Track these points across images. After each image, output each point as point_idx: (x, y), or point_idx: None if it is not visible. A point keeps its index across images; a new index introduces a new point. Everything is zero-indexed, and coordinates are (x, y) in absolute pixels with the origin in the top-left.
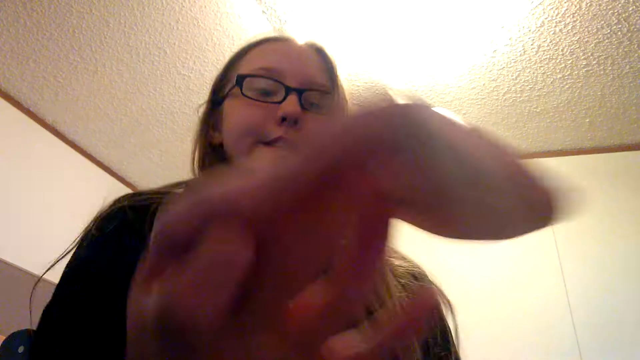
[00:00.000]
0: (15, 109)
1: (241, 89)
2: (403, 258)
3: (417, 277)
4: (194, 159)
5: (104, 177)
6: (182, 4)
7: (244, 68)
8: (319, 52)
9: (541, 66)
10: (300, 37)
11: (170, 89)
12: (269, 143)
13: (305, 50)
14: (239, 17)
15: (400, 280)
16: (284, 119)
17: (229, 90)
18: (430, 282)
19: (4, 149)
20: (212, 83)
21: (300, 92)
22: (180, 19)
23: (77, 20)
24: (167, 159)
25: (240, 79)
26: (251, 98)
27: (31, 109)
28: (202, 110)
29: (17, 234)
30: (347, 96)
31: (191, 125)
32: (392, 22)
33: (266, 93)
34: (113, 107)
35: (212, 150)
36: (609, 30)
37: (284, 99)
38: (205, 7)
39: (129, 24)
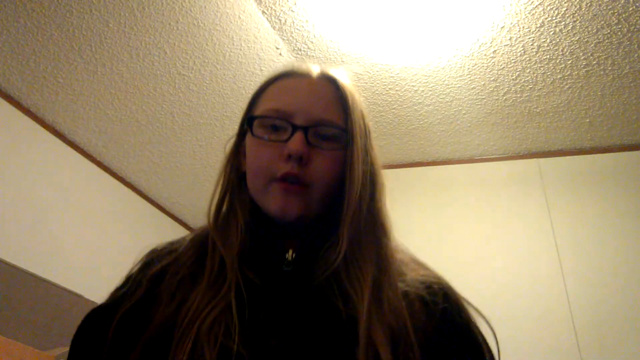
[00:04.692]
0: (15, 109)
1: (251, 131)
2: (423, 275)
3: (433, 294)
4: (215, 198)
5: (104, 177)
6: (182, 4)
7: (260, 106)
8: (334, 84)
9: (541, 66)
10: (317, 69)
11: (170, 89)
12: (279, 179)
13: (318, 86)
14: (239, 17)
15: (413, 304)
16: (290, 156)
17: (246, 128)
18: (449, 299)
19: (3, 148)
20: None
21: (306, 129)
22: (180, 19)
23: (77, 21)
24: (167, 159)
25: (251, 121)
26: (261, 138)
27: (31, 109)
28: (229, 144)
29: (16, 233)
30: (362, 124)
31: (191, 125)
32: (391, 22)
33: (276, 128)
34: (113, 107)
35: (237, 180)
36: (609, 30)
37: (290, 137)
38: (205, 7)
39: (129, 24)
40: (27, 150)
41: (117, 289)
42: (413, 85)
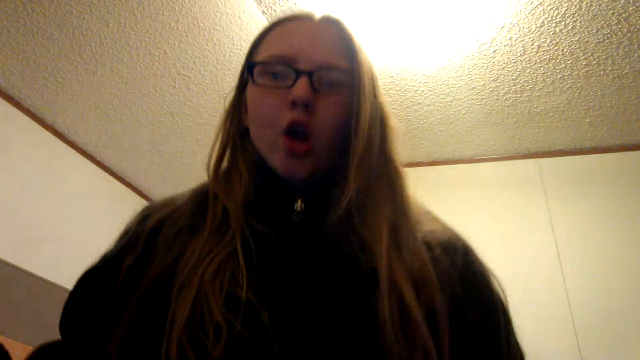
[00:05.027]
0: (15, 109)
1: (252, 78)
2: (443, 229)
3: (453, 250)
4: (214, 153)
5: (104, 177)
6: (182, 4)
7: (261, 53)
8: (337, 27)
9: (541, 66)
10: (318, 12)
11: (170, 89)
12: (285, 132)
13: (320, 29)
14: (239, 17)
15: (434, 251)
16: (294, 103)
17: (246, 77)
18: (470, 253)
19: (3, 148)
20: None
21: (310, 74)
22: (180, 19)
23: (77, 21)
24: (167, 159)
25: (251, 68)
26: (263, 85)
27: (31, 109)
28: (229, 97)
29: (16, 233)
30: (369, 68)
31: (191, 125)
32: (391, 23)
33: (279, 75)
34: (113, 107)
35: (239, 136)
36: (609, 30)
37: (294, 82)
38: (205, 7)
39: (129, 24)
40: (28, 151)
41: (111, 249)
42: (413, 85)
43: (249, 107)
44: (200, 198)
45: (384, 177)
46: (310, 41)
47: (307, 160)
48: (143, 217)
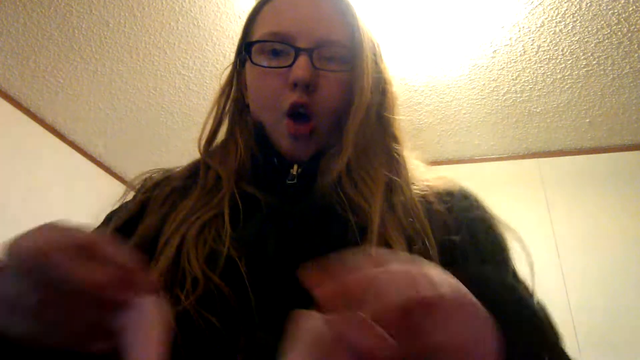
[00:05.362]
0: (15, 109)
1: (251, 59)
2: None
3: (450, 197)
4: (208, 128)
5: (104, 177)
6: (182, 4)
7: (258, 30)
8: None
9: (541, 66)
10: None
11: (170, 89)
12: (288, 113)
13: (319, 2)
14: (239, 17)
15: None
16: (295, 84)
17: (244, 56)
18: (471, 197)
19: (3, 148)
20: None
21: (310, 51)
22: (180, 19)
23: (77, 21)
24: (167, 158)
25: (249, 47)
26: (261, 66)
27: (31, 109)
28: (225, 74)
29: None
30: (370, 42)
31: (191, 125)
32: (391, 23)
33: (277, 53)
34: (113, 107)
35: (238, 111)
36: (609, 30)
37: (294, 61)
38: (205, 7)
39: (129, 24)
40: (27, 150)
41: (109, 212)
42: (413, 85)
43: (248, 87)
44: (196, 166)
45: (380, 142)
46: (308, 15)
47: (311, 142)
48: (141, 181)
